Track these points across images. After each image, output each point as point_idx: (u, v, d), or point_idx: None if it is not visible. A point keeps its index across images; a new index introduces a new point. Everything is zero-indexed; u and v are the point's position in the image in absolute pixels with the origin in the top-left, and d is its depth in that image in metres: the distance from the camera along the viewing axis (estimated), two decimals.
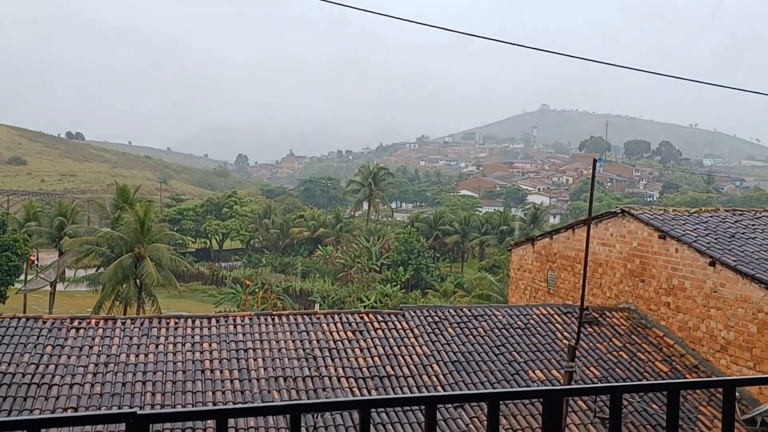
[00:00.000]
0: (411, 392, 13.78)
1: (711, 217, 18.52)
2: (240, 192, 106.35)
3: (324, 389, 13.70)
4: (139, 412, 2.23)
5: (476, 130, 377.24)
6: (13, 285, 44.23)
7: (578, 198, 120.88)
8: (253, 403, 13.02)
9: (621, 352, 16.16)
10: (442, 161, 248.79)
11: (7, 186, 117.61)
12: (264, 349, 14.70)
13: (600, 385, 3.39)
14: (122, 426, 2.24)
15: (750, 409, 13.96)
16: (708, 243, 16.34)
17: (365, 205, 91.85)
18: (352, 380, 14.10)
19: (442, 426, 12.64)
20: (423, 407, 2.57)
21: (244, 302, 47.04)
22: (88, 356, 13.82)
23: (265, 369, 14.06)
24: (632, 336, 16.92)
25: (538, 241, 23.08)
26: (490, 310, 17.76)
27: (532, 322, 17.16)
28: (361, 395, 13.54)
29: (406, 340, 15.69)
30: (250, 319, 15.84)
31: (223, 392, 13.31)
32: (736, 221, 18.31)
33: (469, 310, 17.67)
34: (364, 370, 14.46)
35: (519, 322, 17.04)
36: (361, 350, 15.11)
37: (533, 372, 15.09)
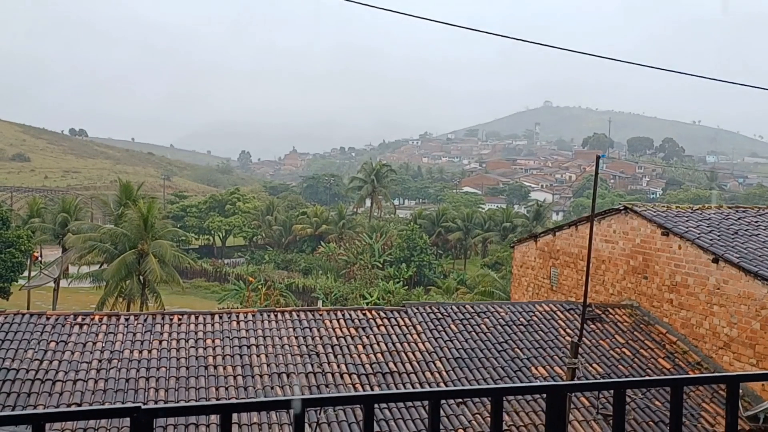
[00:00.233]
0: (414, 388, 13.79)
1: (714, 214, 18.50)
2: (243, 189, 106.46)
3: (327, 385, 13.72)
4: (143, 407, 2.24)
5: (479, 126, 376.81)
6: (17, 281, 44.30)
7: (581, 195, 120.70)
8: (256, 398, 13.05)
9: (624, 349, 16.16)
10: (444, 158, 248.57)
11: (10, 182, 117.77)
12: (267, 345, 14.73)
13: (603, 380, 3.40)
14: (126, 421, 2.25)
15: (753, 406, 13.95)
16: (711, 240, 16.32)
17: (368, 202, 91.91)
18: (354, 376, 14.12)
19: (445, 422, 12.65)
20: (425, 403, 2.57)
21: (247, 299, 47.04)
22: (91, 352, 13.86)
23: (268, 365, 14.09)
24: (635, 333, 16.91)
25: (540, 237, 23.07)
26: (493, 307, 17.77)
27: (534, 318, 17.17)
28: (364, 391, 13.56)
29: (408, 336, 15.71)
30: (253, 316, 15.87)
31: (227, 388, 13.34)
32: (739, 218, 18.27)
33: (472, 307, 17.69)
34: (367, 366, 14.48)
35: (522, 319, 17.05)
36: (364, 347, 15.13)
37: (536, 369, 15.10)
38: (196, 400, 12.81)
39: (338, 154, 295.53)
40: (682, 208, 19.06)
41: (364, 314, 16.50)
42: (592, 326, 16.90)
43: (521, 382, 14.30)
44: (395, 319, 16.39)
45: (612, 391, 2.80)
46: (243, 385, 13.48)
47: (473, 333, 16.16)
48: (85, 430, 11.43)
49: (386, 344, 15.27)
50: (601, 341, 16.41)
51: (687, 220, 17.68)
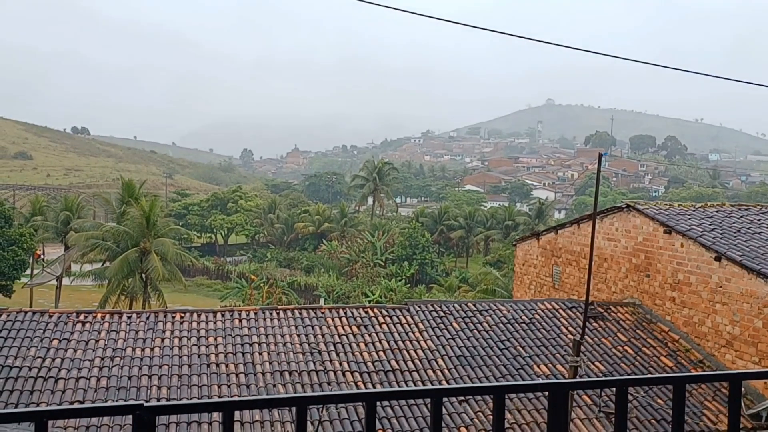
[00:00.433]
0: (416, 386, 13.79)
1: (716, 212, 18.47)
2: (245, 187, 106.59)
3: (329, 383, 13.73)
4: (146, 404, 2.24)
5: (481, 125, 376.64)
6: (20, 279, 44.39)
7: (583, 193, 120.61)
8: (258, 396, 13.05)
9: (626, 347, 16.14)
10: (447, 156, 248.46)
11: (13, 180, 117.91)
12: (269, 343, 14.74)
13: (606, 378, 3.39)
14: (129, 419, 2.26)
15: (755, 404, 13.94)
16: (713, 238, 16.30)
17: (370, 200, 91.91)
18: (357, 374, 14.13)
19: (447, 420, 12.66)
20: (428, 401, 2.57)
21: (249, 297, 47.07)
22: (94, 350, 13.88)
23: (270, 363, 14.10)
24: (637, 331, 16.90)
25: (543, 235, 23.05)
26: (495, 305, 17.75)
27: (537, 316, 17.16)
28: (366, 389, 13.56)
29: (410, 334, 15.71)
30: (256, 314, 15.88)
31: (229, 386, 13.36)
32: (741, 216, 18.25)
33: (474, 305, 17.67)
34: (369, 364, 14.49)
35: (524, 317, 17.04)
36: (366, 345, 15.13)
37: (538, 367, 15.10)
38: (198, 398, 12.82)
39: (340, 153, 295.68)
40: (684, 206, 19.03)
41: (366, 312, 16.50)
42: (595, 324, 16.89)
43: (523, 380, 14.30)
44: (397, 317, 16.39)
45: (614, 389, 2.80)
46: (245, 383, 13.49)
47: (475, 331, 16.16)
48: (88, 427, 11.45)
49: (388, 342, 15.27)
50: (603, 339, 16.40)
51: (689, 218, 17.65)
